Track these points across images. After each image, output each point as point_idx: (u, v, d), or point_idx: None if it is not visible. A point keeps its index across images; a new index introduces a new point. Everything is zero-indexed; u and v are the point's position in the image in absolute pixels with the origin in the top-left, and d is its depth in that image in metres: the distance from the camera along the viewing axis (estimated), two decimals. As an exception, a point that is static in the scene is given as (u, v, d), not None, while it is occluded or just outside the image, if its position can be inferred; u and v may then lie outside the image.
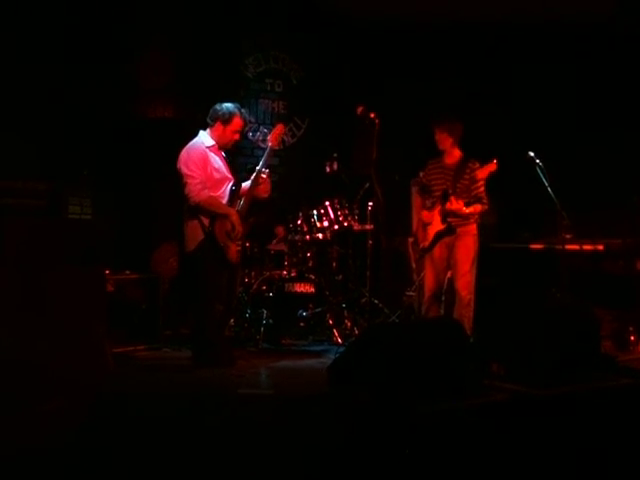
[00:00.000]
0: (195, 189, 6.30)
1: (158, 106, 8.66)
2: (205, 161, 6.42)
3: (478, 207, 6.87)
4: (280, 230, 8.35)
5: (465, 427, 4.50)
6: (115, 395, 5.20)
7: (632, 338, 7.36)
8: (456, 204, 6.76)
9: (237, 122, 6.57)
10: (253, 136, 9.21)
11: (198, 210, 6.37)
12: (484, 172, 6.71)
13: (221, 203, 6.44)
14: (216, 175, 6.48)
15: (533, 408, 4.90)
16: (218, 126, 6.54)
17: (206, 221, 6.37)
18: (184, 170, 6.36)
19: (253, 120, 9.27)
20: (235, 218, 6.39)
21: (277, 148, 6.91)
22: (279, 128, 6.93)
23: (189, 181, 6.32)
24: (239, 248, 6.51)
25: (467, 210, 6.81)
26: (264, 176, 6.65)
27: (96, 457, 4.05)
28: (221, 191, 6.50)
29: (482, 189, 6.86)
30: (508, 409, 4.89)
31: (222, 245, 6.35)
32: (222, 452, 4.21)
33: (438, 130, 7.06)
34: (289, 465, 4.05)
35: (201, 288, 6.50)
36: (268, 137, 6.92)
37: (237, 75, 9.17)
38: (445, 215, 6.88)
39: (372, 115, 7.21)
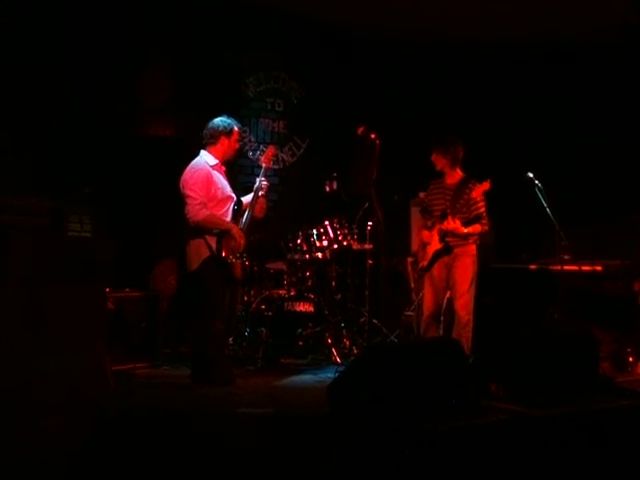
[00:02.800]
0: (194, 209, 6.36)
1: (159, 124, 8.68)
2: (209, 181, 6.49)
3: (477, 227, 6.89)
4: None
5: (464, 448, 4.50)
6: (115, 412, 5.20)
7: (631, 359, 7.36)
8: (453, 224, 6.78)
9: (236, 131, 6.75)
10: (253, 155, 9.23)
11: (200, 229, 6.41)
12: (478, 191, 6.74)
13: (221, 219, 6.50)
14: (220, 194, 6.56)
15: (532, 429, 4.89)
16: (223, 141, 6.65)
17: (212, 240, 6.41)
18: (186, 191, 6.42)
19: (254, 139, 9.31)
20: (236, 231, 6.45)
21: (269, 168, 6.99)
22: (270, 149, 7.05)
23: (189, 201, 6.39)
24: (243, 265, 6.58)
25: (465, 230, 6.83)
26: (262, 192, 6.75)
27: (97, 474, 4.06)
28: (225, 209, 6.57)
29: (482, 209, 6.88)
30: (507, 430, 4.88)
31: (229, 262, 6.40)
32: (221, 471, 4.21)
33: (433, 151, 7.10)
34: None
35: (203, 306, 6.53)
36: (261, 158, 7.02)
37: (238, 94, 9.20)
38: (443, 235, 6.91)
39: (373, 135, 7.27)
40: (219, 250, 6.39)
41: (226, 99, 8.88)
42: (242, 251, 6.49)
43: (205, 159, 6.60)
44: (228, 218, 6.56)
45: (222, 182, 6.62)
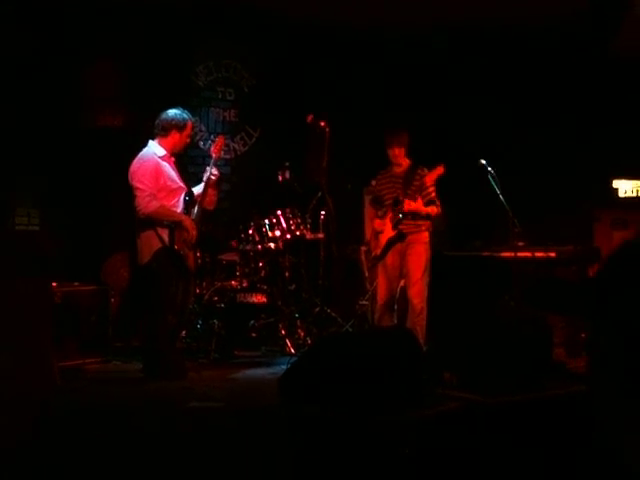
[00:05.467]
0: (143, 201, 6.28)
1: (107, 115, 8.56)
2: (158, 172, 6.40)
3: (434, 209, 6.90)
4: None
5: (418, 437, 4.47)
6: (62, 410, 5.11)
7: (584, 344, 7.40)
8: (415, 204, 6.77)
9: (190, 126, 6.70)
10: (204, 145, 9.12)
11: (150, 221, 6.31)
12: (432, 176, 6.80)
13: (171, 211, 6.43)
14: (171, 184, 6.49)
15: (486, 417, 4.89)
16: (174, 134, 6.56)
17: (163, 232, 6.34)
18: (134, 182, 6.35)
19: (204, 129, 9.20)
20: (188, 223, 6.39)
21: (219, 158, 7.06)
22: (220, 140, 7.02)
23: (138, 194, 6.31)
24: (196, 257, 6.55)
25: (426, 209, 6.82)
26: (213, 177, 6.70)
27: (42, 475, 3.97)
28: (175, 200, 6.50)
29: (433, 194, 6.90)
30: (461, 418, 4.87)
31: (182, 254, 6.33)
32: (172, 467, 4.14)
33: (394, 144, 7.04)
34: (240, 478, 4.00)
35: (155, 299, 6.47)
36: (211, 149, 6.99)
37: (188, 83, 9.09)
38: (397, 222, 6.89)
39: (322, 123, 7.24)
40: (171, 242, 6.31)
41: (176, 89, 8.77)
42: (194, 242, 6.41)
43: (153, 150, 6.51)
44: (179, 209, 6.49)
45: (171, 173, 6.53)
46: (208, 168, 6.73)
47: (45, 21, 7.88)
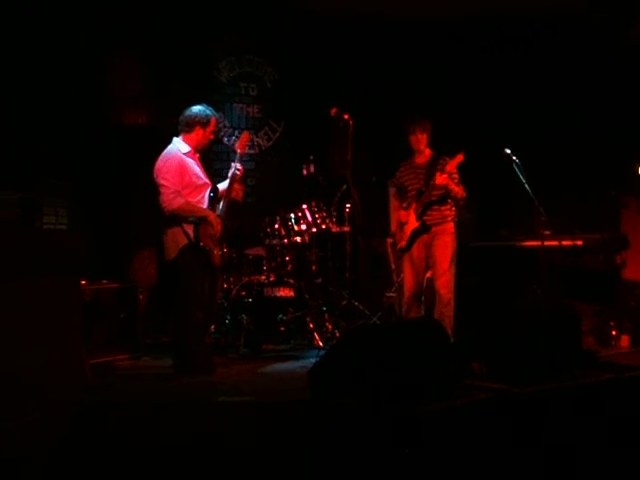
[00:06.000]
0: (168, 198, 6.30)
1: (132, 113, 8.60)
2: (182, 168, 6.42)
3: (462, 189, 6.85)
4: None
5: (448, 428, 4.46)
6: (94, 406, 5.15)
7: (613, 333, 7.37)
8: (442, 178, 6.72)
9: (214, 122, 6.67)
10: (228, 141, 9.15)
11: (176, 218, 6.34)
12: (452, 164, 6.77)
13: (197, 206, 6.44)
14: (196, 181, 6.50)
15: (516, 407, 4.87)
16: (198, 130, 6.56)
17: (189, 228, 6.36)
18: (158, 180, 6.37)
19: (228, 125, 9.22)
20: (213, 218, 6.40)
21: (244, 154, 6.93)
22: (245, 136, 6.92)
23: (163, 190, 6.33)
24: (222, 252, 6.50)
25: (457, 187, 6.78)
26: (238, 172, 6.67)
27: (77, 469, 4.00)
28: (200, 196, 6.51)
29: (458, 178, 6.85)
30: (491, 408, 4.86)
31: (207, 249, 6.34)
32: (204, 460, 4.16)
33: (417, 131, 7.03)
34: (272, 472, 4.01)
35: (182, 295, 6.48)
36: (236, 144, 6.94)
37: (211, 79, 9.11)
38: (420, 213, 6.89)
39: (346, 116, 7.23)
40: (196, 238, 6.33)
41: (199, 85, 8.80)
42: (220, 238, 6.43)
43: (178, 146, 6.53)
44: (204, 205, 6.50)
45: (195, 169, 6.54)
46: (233, 164, 6.72)
47: (69, 21, 7.91)
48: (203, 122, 6.56)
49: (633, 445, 4.46)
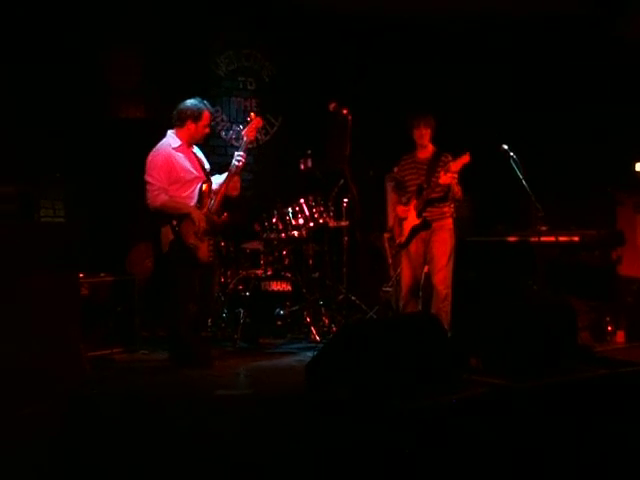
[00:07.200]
0: (152, 195, 6.33)
1: (129, 106, 8.60)
2: (170, 164, 6.40)
3: (460, 191, 6.85)
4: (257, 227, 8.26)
5: (445, 423, 4.49)
6: (92, 399, 5.16)
7: (609, 328, 7.41)
8: (446, 178, 6.69)
9: (206, 116, 6.57)
10: (226, 135, 9.16)
11: (160, 214, 6.36)
12: (457, 164, 6.68)
13: (180, 203, 6.42)
14: (184, 176, 6.46)
15: (512, 401, 4.90)
16: (189, 124, 6.51)
17: (175, 223, 6.36)
18: (145, 176, 6.39)
19: (226, 119, 9.22)
20: (195, 214, 6.36)
21: (251, 142, 6.86)
22: (256, 121, 6.71)
23: (148, 187, 6.36)
24: (211, 247, 6.45)
25: (457, 187, 6.78)
26: (238, 164, 6.53)
27: (75, 461, 4.01)
28: (190, 191, 6.47)
29: (456, 180, 6.84)
30: (487, 403, 4.88)
31: (191, 245, 6.33)
32: (200, 454, 4.18)
33: (422, 125, 7.02)
34: (269, 465, 4.02)
35: (172, 289, 6.50)
36: (243, 132, 6.72)
37: (209, 73, 9.11)
38: (421, 210, 6.89)
39: (344, 111, 7.23)
40: (177, 234, 6.32)
41: (197, 79, 8.79)
42: (207, 232, 6.39)
43: (169, 141, 6.51)
44: (194, 200, 6.46)
45: (185, 164, 6.48)
46: (237, 152, 6.58)
47: (67, 14, 7.90)
48: (195, 115, 6.49)
49: (627, 440, 4.48)
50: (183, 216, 6.34)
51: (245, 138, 6.67)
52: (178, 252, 6.35)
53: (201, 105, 6.55)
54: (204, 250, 6.40)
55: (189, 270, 6.39)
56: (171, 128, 6.58)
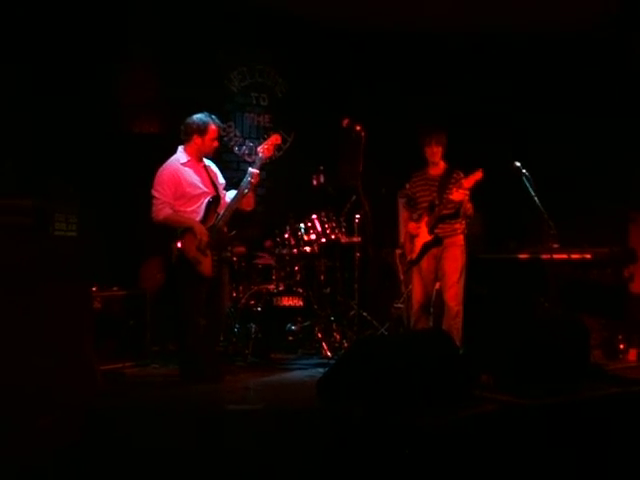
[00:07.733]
0: (156, 209, 6.37)
1: (143, 121, 8.63)
2: (176, 180, 6.42)
3: (471, 208, 6.86)
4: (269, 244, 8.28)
5: (456, 439, 4.48)
6: (105, 412, 5.17)
7: (621, 346, 7.38)
8: (458, 194, 6.68)
9: (213, 130, 6.55)
10: (239, 150, 9.19)
11: (165, 227, 6.40)
12: (470, 181, 6.67)
13: (182, 217, 6.43)
14: (191, 191, 6.46)
15: (523, 418, 4.88)
16: (196, 139, 6.52)
17: (178, 236, 6.39)
18: (152, 191, 6.43)
19: (239, 134, 9.26)
20: (198, 228, 6.35)
21: (267, 159, 6.74)
22: (274, 138, 6.72)
23: (153, 201, 6.40)
24: (215, 262, 6.41)
25: (469, 203, 6.78)
26: (252, 180, 6.49)
27: (86, 474, 4.03)
28: (196, 206, 6.46)
29: (468, 197, 6.82)
30: (498, 420, 4.87)
31: (192, 260, 6.32)
32: (210, 469, 4.18)
33: (433, 142, 7.03)
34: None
35: (179, 303, 6.51)
36: (259, 148, 6.68)
37: (222, 89, 9.14)
38: (432, 226, 6.90)
39: (358, 127, 7.24)
40: (181, 249, 6.34)
41: (210, 94, 8.81)
42: (211, 245, 6.37)
43: (178, 156, 6.55)
44: (200, 214, 6.45)
45: (193, 179, 6.49)
46: (250, 169, 6.56)
47: (82, 29, 7.95)
48: (200, 129, 6.49)
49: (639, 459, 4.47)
50: (186, 230, 6.36)
51: (260, 154, 6.63)
52: (182, 267, 6.37)
53: (207, 119, 6.54)
54: (207, 264, 6.37)
55: (194, 284, 6.38)
56: (182, 144, 6.62)
